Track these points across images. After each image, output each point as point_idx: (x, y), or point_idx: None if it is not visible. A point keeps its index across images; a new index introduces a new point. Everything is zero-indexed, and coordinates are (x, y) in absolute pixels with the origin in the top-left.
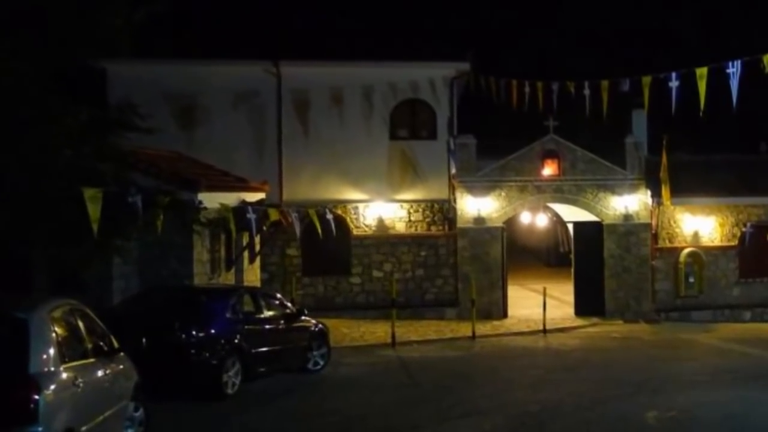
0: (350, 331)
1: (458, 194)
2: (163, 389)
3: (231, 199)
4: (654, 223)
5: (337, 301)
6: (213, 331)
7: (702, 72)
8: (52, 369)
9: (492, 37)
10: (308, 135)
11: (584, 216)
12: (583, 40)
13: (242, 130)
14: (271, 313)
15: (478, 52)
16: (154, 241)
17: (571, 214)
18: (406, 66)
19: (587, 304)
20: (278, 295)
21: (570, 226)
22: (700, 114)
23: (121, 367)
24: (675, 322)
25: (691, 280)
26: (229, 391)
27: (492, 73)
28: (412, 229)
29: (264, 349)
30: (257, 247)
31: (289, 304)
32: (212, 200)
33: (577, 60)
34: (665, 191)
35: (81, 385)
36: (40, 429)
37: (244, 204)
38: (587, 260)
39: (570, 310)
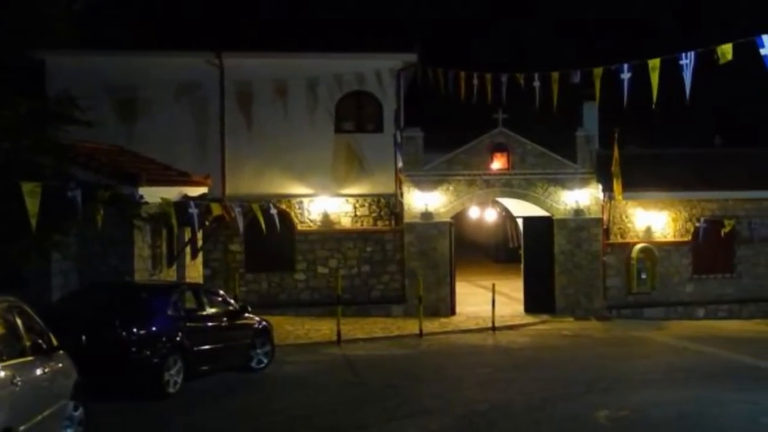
0: (294, 329)
1: (405, 188)
2: (103, 388)
3: (173, 193)
4: (605, 218)
5: (281, 297)
6: (154, 328)
7: (654, 63)
8: None
9: (459, 26)
10: (252, 128)
11: (534, 211)
12: (559, 29)
13: (184, 123)
14: (213, 310)
15: (432, 43)
16: (94, 236)
17: (521, 208)
18: (352, 57)
19: (537, 300)
20: (221, 292)
21: (519, 221)
22: (653, 107)
23: (61, 365)
24: (627, 320)
25: (644, 276)
26: (171, 390)
27: (455, 64)
28: (358, 225)
29: (206, 347)
30: (199, 243)
31: (232, 301)
32: (153, 195)
33: (551, 50)
34: (617, 185)
35: (19, 384)
36: None
37: (186, 198)
38: (537, 256)
39: (519, 307)
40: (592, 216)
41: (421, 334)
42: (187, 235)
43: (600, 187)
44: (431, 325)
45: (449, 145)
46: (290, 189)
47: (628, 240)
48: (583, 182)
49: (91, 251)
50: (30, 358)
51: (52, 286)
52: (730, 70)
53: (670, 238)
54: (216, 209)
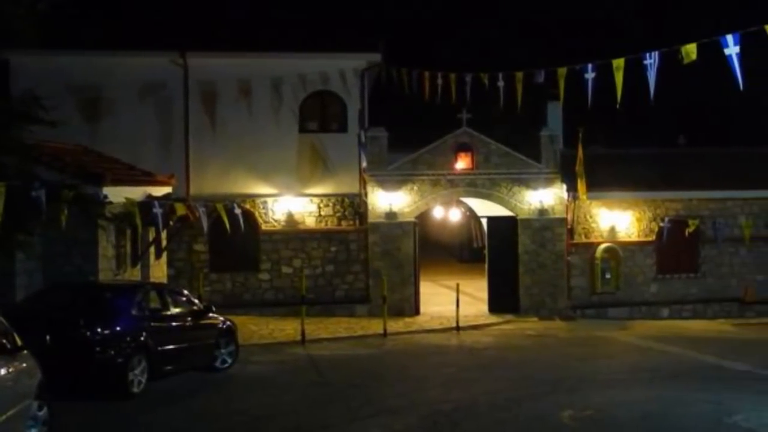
0: (259, 329)
1: (369, 188)
2: (67, 388)
3: (137, 193)
4: (569, 217)
5: (245, 297)
6: (118, 328)
7: (618, 63)
8: None
9: (425, 26)
10: (216, 128)
11: (498, 210)
12: (524, 29)
13: (149, 123)
14: (177, 310)
15: (397, 43)
16: (58, 236)
17: (485, 208)
18: (316, 57)
19: (501, 300)
20: (185, 292)
21: (484, 221)
22: (617, 106)
23: (24, 365)
24: (591, 319)
25: (608, 276)
26: (135, 389)
27: (420, 64)
28: (322, 224)
29: (170, 346)
30: (164, 243)
31: (196, 301)
32: (118, 194)
33: (517, 50)
34: (581, 185)
35: None
36: None
37: (151, 198)
38: (501, 256)
39: (484, 307)
40: (557, 216)
41: (385, 334)
42: (152, 235)
43: (564, 186)
44: (395, 325)
45: (413, 145)
46: (254, 189)
47: (592, 240)
48: (548, 182)
49: (55, 251)
50: None
51: (16, 285)
52: (694, 70)
53: (634, 237)
54: (180, 209)
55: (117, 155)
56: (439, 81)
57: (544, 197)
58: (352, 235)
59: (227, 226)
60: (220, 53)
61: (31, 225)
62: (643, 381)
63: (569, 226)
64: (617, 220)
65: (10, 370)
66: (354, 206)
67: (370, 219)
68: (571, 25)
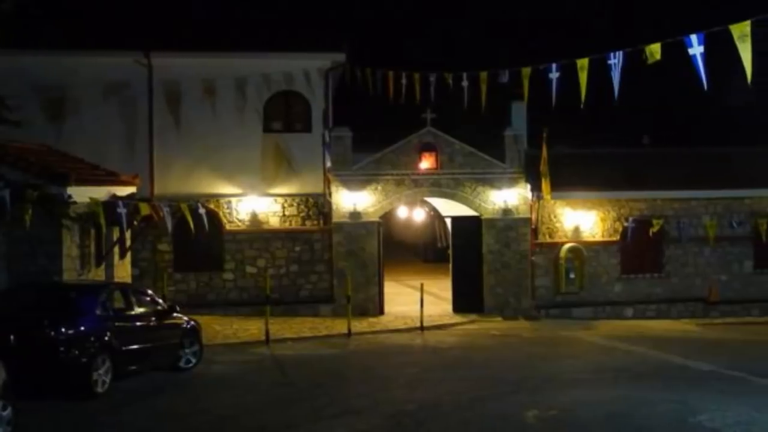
0: (223, 328)
1: (333, 188)
2: (32, 387)
3: (101, 193)
4: (534, 217)
5: (209, 297)
6: (83, 328)
7: (583, 63)
8: None
9: (391, 26)
10: (180, 128)
11: (462, 210)
12: (491, 29)
13: (113, 123)
14: (142, 309)
15: (363, 43)
16: (22, 236)
17: (449, 208)
18: (280, 57)
19: (465, 300)
20: (149, 292)
21: (448, 221)
22: (581, 106)
23: None
24: (555, 319)
25: (572, 276)
26: (99, 389)
27: (386, 64)
28: (287, 224)
29: (135, 346)
30: (128, 243)
31: (160, 301)
32: (82, 194)
33: (483, 50)
34: (545, 185)
35: None
36: None
37: (115, 198)
38: (465, 256)
39: (448, 307)
40: (521, 216)
41: (349, 334)
42: (116, 235)
43: (528, 186)
44: (360, 325)
45: (378, 145)
46: (219, 189)
47: (556, 240)
48: (512, 182)
49: (19, 251)
50: None
51: None
52: (658, 70)
53: (598, 237)
54: (144, 209)
55: (81, 155)
56: (404, 81)
57: (509, 197)
58: (317, 235)
59: (191, 225)
60: (184, 53)
61: None
62: (608, 381)
63: (533, 226)
64: (581, 220)
65: None
66: (318, 206)
67: (335, 219)
68: (536, 25)
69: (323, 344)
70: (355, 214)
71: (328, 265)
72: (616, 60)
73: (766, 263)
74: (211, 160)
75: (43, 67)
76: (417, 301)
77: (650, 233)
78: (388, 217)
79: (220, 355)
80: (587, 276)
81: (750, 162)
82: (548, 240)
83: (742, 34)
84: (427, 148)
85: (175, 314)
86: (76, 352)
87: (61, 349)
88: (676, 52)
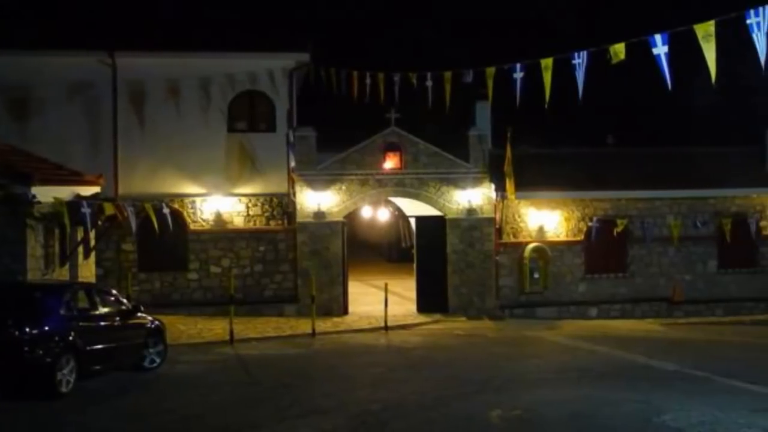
0: (187, 328)
1: (298, 188)
2: None
3: (65, 193)
4: (498, 217)
5: (173, 297)
6: (47, 328)
7: (547, 63)
8: None
9: (356, 26)
10: (144, 127)
11: (427, 210)
12: (456, 29)
13: (77, 123)
14: (106, 309)
15: (328, 43)
16: None
17: (414, 208)
18: (244, 57)
19: (430, 300)
20: (113, 291)
21: (412, 221)
22: (546, 106)
23: None
24: (519, 319)
25: (536, 275)
26: (64, 389)
27: (351, 64)
28: (251, 224)
29: (99, 346)
30: (92, 242)
31: (124, 301)
32: (46, 194)
33: (448, 50)
34: (509, 185)
35: None
36: None
37: (79, 198)
38: (430, 256)
39: (412, 307)
40: (485, 215)
41: (313, 334)
42: (80, 235)
43: (493, 186)
44: (324, 325)
45: (342, 145)
46: (183, 188)
47: (520, 239)
48: (476, 182)
49: None
50: None
51: None
52: (623, 69)
53: (562, 237)
54: (109, 209)
55: (45, 155)
56: (368, 81)
57: (473, 197)
58: (281, 235)
59: (156, 225)
60: (148, 53)
61: None
62: (572, 380)
63: (497, 226)
64: (546, 220)
65: None
66: (282, 206)
67: (299, 219)
68: (500, 25)
69: (288, 344)
70: (319, 214)
71: (292, 265)
72: (580, 60)
73: (730, 263)
74: (175, 159)
75: (6, 66)
76: (381, 300)
77: (614, 233)
78: (352, 217)
79: (184, 355)
80: (551, 276)
81: (714, 162)
82: (512, 240)
83: (706, 34)
84: (392, 147)
85: (139, 314)
86: (41, 351)
87: (26, 348)
88: (641, 51)
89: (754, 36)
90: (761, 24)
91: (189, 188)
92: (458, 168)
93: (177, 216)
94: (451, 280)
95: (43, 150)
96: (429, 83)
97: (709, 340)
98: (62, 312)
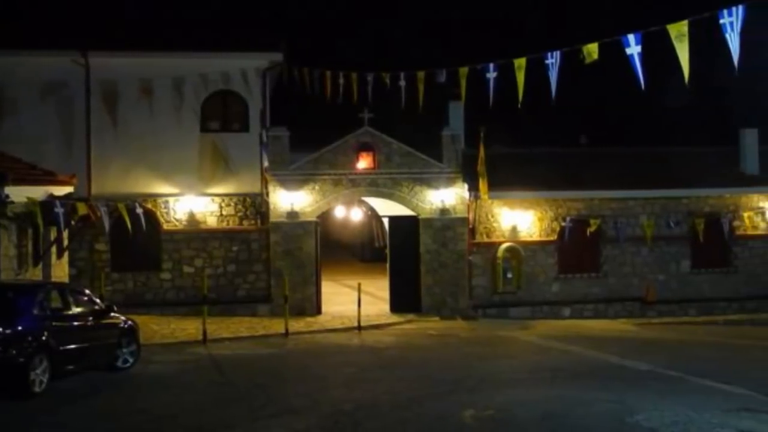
0: (160, 328)
1: (271, 188)
2: None
3: (38, 192)
4: (471, 217)
5: (147, 297)
6: (20, 327)
7: (520, 63)
8: None
9: (328, 26)
10: (118, 127)
11: (400, 210)
12: (427, 29)
13: (50, 123)
14: (79, 309)
15: (300, 43)
16: None
17: (387, 208)
18: (218, 57)
19: (403, 300)
20: (87, 291)
21: (385, 221)
22: (519, 106)
23: None
24: (493, 319)
25: (509, 275)
26: (37, 389)
27: (323, 64)
28: (224, 224)
29: (72, 346)
30: (65, 242)
31: (97, 300)
32: (19, 194)
33: (420, 49)
34: (483, 185)
35: None
36: None
37: (52, 198)
38: (403, 255)
39: (385, 307)
40: (458, 215)
41: (286, 334)
42: (53, 235)
43: (466, 186)
44: (297, 325)
45: (315, 145)
46: (156, 188)
47: (493, 239)
48: (449, 181)
49: None
50: None
51: None
52: (596, 69)
53: (535, 237)
54: (82, 208)
55: (18, 155)
56: (341, 80)
57: (446, 197)
58: (254, 235)
59: (129, 225)
60: (121, 53)
61: None
62: (545, 380)
63: (471, 226)
64: (519, 220)
65: None
66: (255, 206)
67: (272, 218)
68: (474, 25)
69: (261, 344)
70: (292, 214)
71: (265, 265)
72: (553, 60)
73: (703, 263)
74: (148, 159)
75: None
76: (354, 300)
77: (587, 233)
78: (325, 217)
79: (157, 355)
80: (524, 276)
81: (687, 162)
82: (485, 240)
83: (679, 34)
84: (365, 147)
85: (112, 314)
86: (14, 351)
87: None
88: (614, 51)
89: (728, 36)
90: (734, 24)
91: (162, 188)
92: (431, 168)
93: (150, 216)
94: (424, 280)
95: (17, 150)
96: (402, 83)
97: (682, 340)
98: (35, 312)
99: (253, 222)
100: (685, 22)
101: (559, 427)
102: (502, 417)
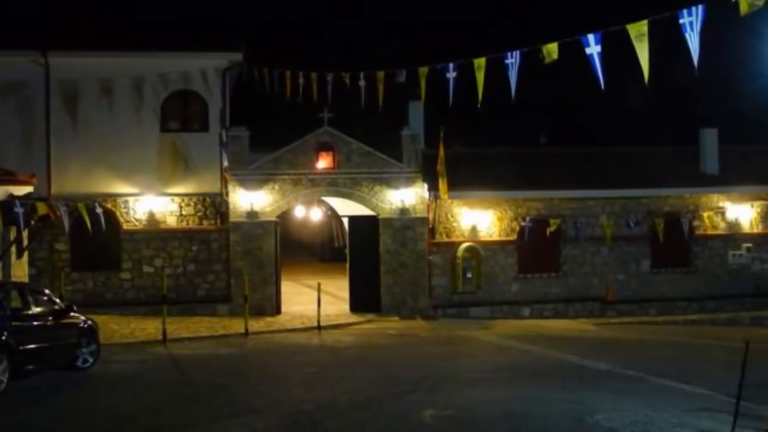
0: (120, 328)
1: (230, 188)
2: None
3: None
4: (431, 217)
5: (106, 296)
6: None
7: (480, 63)
8: None
9: (290, 26)
10: (78, 127)
11: (360, 210)
12: (389, 29)
13: (10, 123)
14: (39, 309)
15: (262, 43)
16: None
17: (347, 208)
18: (177, 56)
19: (363, 300)
20: (46, 291)
21: (345, 221)
22: (479, 106)
23: None
24: (452, 319)
25: (469, 275)
26: None
27: (285, 64)
28: (184, 224)
29: (32, 346)
30: (25, 242)
31: (57, 300)
32: None
33: (383, 50)
34: (442, 185)
35: None
36: None
37: (12, 198)
38: (362, 255)
39: (345, 307)
40: (418, 215)
41: (246, 333)
42: (13, 234)
43: (426, 186)
44: (257, 325)
45: (275, 145)
46: (116, 188)
47: (453, 239)
48: (409, 181)
49: None
50: None
51: None
52: (556, 69)
53: (495, 237)
54: (41, 208)
55: None
56: (301, 80)
57: (406, 197)
58: (214, 235)
59: (89, 225)
60: (81, 52)
61: None
62: (505, 380)
63: (430, 226)
64: (479, 220)
65: None
66: (215, 205)
67: (232, 218)
68: (433, 25)
69: (220, 344)
70: (252, 214)
71: (225, 265)
72: (513, 60)
73: (663, 263)
74: (108, 159)
75: None
76: (314, 300)
77: (547, 233)
78: (285, 217)
79: (117, 355)
80: (484, 275)
81: (647, 162)
82: (445, 239)
83: (639, 34)
84: (325, 147)
85: (72, 314)
86: None
87: None
88: (574, 51)
89: (687, 36)
90: (694, 24)
91: (122, 188)
92: (391, 168)
93: (110, 216)
94: (384, 279)
95: None
96: (362, 83)
97: (642, 340)
98: None
99: (212, 222)
100: (645, 22)
101: (519, 426)
102: (463, 416)
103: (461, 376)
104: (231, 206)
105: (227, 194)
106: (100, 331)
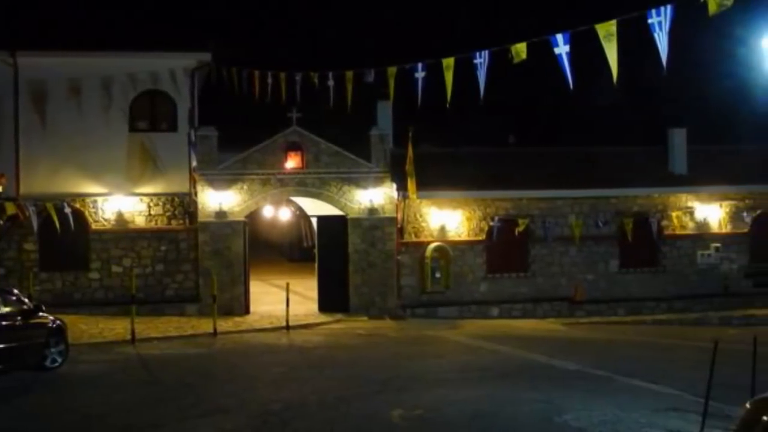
0: (89, 328)
1: (199, 187)
2: None
3: None
4: (400, 217)
5: (75, 296)
6: None
7: (448, 62)
8: None
9: (259, 25)
10: (46, 127)
11: (328, 210)
12: (358, 29)
13: None
14: (7, 309)
15: (231, 43)
16: None
17: (315, 207)
18: (146, 56)
19: (331, 300)
20: (15, 291)
21: (314, 220)
22: (447, 106)
23: None
24: (421, 319)
25: (438, 275)
26: None
27: (254, 64)
28: (152, 224)
29: (0, 346)
30: None
31: (26, 300)
32: None
33: (350, 49)
34: (411, 184)
35: None
36: None
37: None
38: (331, 255)
39: (314, 306)
40: (387, 215)
41: (215, 333)
42: None
43: (394, 186)
44: (225, 324)
45: (244, 145)
46: (85, 188)
47: (422, 239)
48: (378, 181)
49: None
50: None
51: None
52: (524, 69)
53: (464, 237)
54: (10, 208)
55: None
56: (269, 80)
57: (374, 196)
58: (182, 235)
59: (57, 225)
60: (50, 52)
61: None
62: (473, 380)
63: (399, 226)
64: (447, 220)
65: None
66: (184, 205)
67: (200, 218)
68: (402, 25)
69: (189, 344)
70: (220, 214)
71: (193, 265)
72: (481, 59)
73: (631, 263)
74: (77, 159)
75: None
76: (283, 300)
77: (516, 233)
78: (254, 217)
79: (86, 355)
80: (453, 275)
81: (616, 162)
82: (414, 239)
83: (607, 34)
84: (293, 147)
85: (40, 313)
86: None
87: None
88: (542, 51)
89: (656, 36)
90: (662, 24)
91: (90, 188)
92: (360, 167)
93: (78, 215)
94: (352, 279)
95: None
96: (331, 83)
97: (611, 340)
98: None
99: (181, 222)
100: (614, 22)
101: (488, 426)
102: (431, 416)
103: (430, 376)
104: (199, 206)
105: (196, 194)
106: (69, 331)
